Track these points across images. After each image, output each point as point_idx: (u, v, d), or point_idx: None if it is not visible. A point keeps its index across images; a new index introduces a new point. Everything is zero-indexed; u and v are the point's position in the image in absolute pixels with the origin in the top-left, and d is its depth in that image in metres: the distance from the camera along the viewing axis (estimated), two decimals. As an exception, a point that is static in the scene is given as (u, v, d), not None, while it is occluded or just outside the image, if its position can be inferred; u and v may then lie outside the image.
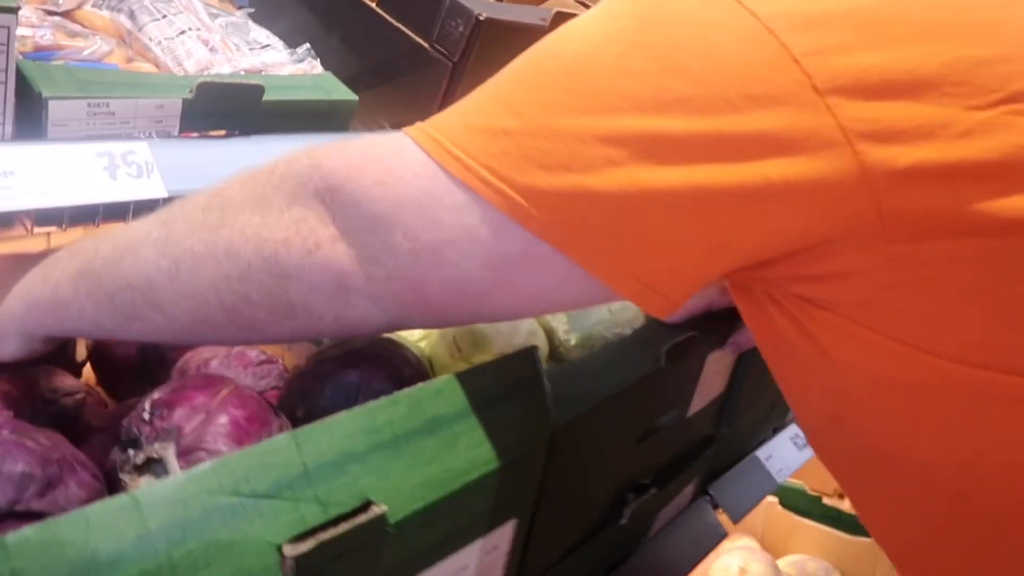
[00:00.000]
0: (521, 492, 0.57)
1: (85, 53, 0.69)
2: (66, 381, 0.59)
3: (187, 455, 0.46)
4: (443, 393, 0.50)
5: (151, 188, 0.66)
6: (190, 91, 0.68)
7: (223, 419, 0.48)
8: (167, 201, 0.72)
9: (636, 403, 0.69)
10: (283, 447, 0.42)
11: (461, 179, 0.41)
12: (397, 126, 0.90)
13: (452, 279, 0.43)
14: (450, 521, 0.50)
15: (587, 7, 1.16)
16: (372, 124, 0.88)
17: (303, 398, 0.56)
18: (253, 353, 0.67)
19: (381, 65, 0.96)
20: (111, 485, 0.48)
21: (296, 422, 0.55)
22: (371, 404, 0.46)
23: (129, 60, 0.72)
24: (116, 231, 0.52)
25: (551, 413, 0.57)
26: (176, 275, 0.46)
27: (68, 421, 0.62)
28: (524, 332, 0.75)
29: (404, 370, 0.58)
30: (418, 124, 0.44)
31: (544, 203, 0.40)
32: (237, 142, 0.72)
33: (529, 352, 0.56)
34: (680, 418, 0.80)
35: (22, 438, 0.43)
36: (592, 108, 0.39)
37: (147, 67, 0.72)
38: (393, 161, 0.42)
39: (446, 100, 0.92)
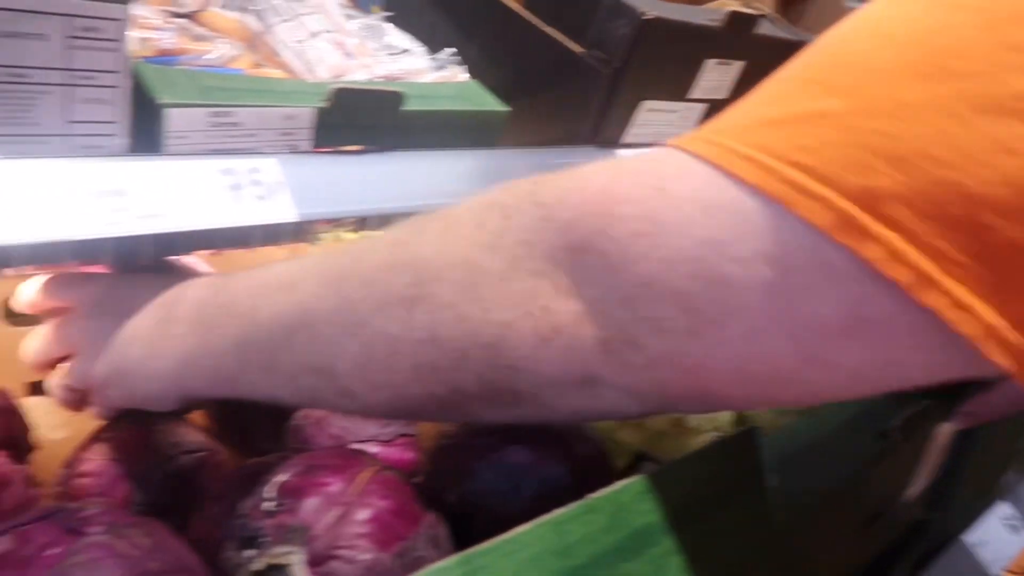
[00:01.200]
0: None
1: (208, 57, 0.61)
2: (189, 435, 0.51)
3: (319, 564, 0.35)
4: (648, 496, 0.37)
5: (280, 211, 0.56)
6: (324, 99, 0.58)
7: (364, 514, 0.37)
8: (297, 227, 0.63)
9: (859, 492, 0.55)
10: (452, 578, 0.30)
11: (756, 184, 0.28)
12: (545, 143, 0.78)
13: (744, 360, 0.30)
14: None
15: (754, 8, 1.02)
16: (518, 141, 0.77)
17: (455, 480, 0.45)
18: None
19: (527, 75, 0.85)
20: (222, 591, 0.38)
21: (446, 510, 0.44)
22: (560, 514, 0.34)
23: (257, 65, 0.64)
24: (270, 275, 0.43)
25: (773, 516, 0.43)
26: (367, 363, 0.36)
27: (183, 482, 0.53)
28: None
29: (579, 447, 0.46)
30: (687, 134, 0.32)
31: (897, 216, 0.26)
32: (374, 159, 0.62)
33: (748, 436, 0.43)
34: (896, 505, 0.64)
35: (115, 539, 0.33)
36: (972, 68, 0.26)
37: (276, 73, 0.63)
38: (655, 199, 0.30)
39: (603, 114, 0.80)
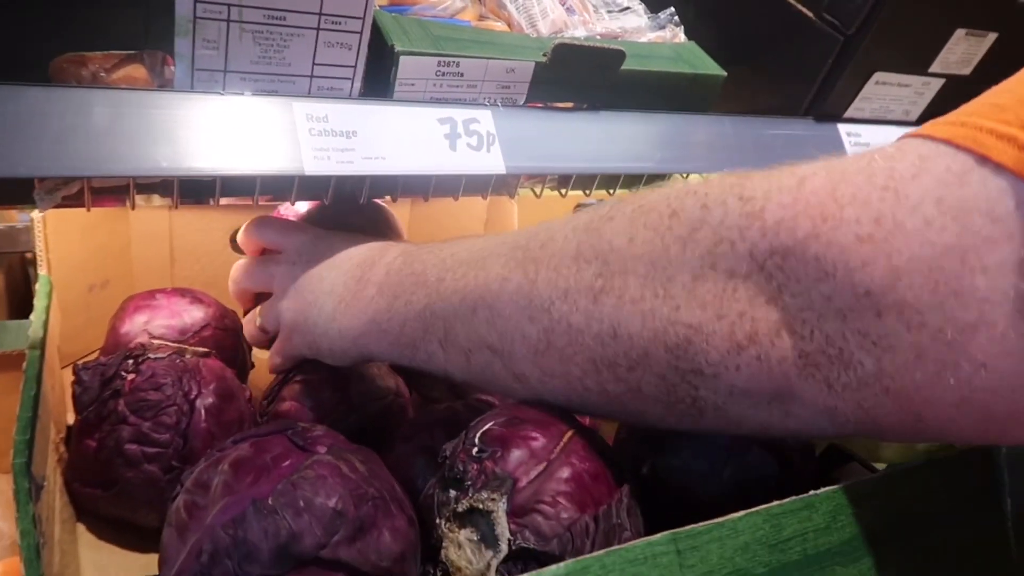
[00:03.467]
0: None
1: (438, 9, 0.63)
2: (376, 383, 0.53)
3: (520, 516, 0.36)
4: (871, 501, 0.35)
5: (490, 163, 0.57)
6: (544, 54, 0.58)
7: (565, 472, 0.37)
8: (501, 179, 0.64)
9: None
10: (660, 555, 0.29)
11: (1019, 172, 0.24)
12: (761, 111, 0.74)
13: (977, 388, 0.26)
14: None
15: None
16: (729, 108, 0.73)
17: (651, 451, 0.44)
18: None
19: (747, 38, 0.80)
20: (422, 522, 0.39)
21: (639, 480, 0.43)
22: (777, 506, 0.32)
23: (481, 17, 0.65)
24: (461, 249, 0.43)
25: (1010, 543, 0.39)
26: (544, 349, 0.36)
27: (372, 424, 0.56)
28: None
29: (788, 439, 0.44)
30: (928, 123, 0.29)
31: None
32: (584, 117, 0.61)
33: (987, 453, 0.39)
34: None
35: (338, 461, 0.35)
36: None
37: (499, 26, 0.64)
38: (886, 200, 0.27)
39: (828, 84, 0.75)
